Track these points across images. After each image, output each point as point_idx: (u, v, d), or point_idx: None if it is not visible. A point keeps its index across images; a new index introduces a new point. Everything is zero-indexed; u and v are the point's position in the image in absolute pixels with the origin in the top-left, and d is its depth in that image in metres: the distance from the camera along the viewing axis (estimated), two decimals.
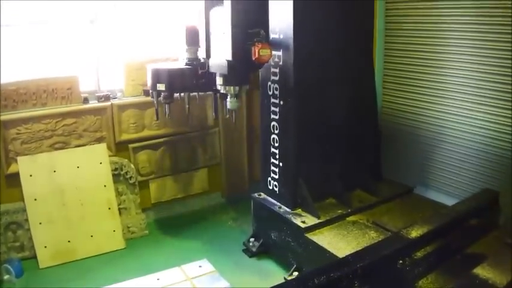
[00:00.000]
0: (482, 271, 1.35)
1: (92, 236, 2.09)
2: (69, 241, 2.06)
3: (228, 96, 1.83)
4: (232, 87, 1.74)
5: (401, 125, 2.55)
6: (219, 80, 1.79)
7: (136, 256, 2.06)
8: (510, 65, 1.88)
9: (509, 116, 1.97)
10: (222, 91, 1.83)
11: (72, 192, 2.07)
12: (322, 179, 2.01)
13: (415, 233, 1.56)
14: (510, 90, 1.94)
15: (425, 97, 2.36)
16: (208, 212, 2.49)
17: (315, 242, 1.72)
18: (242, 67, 1.67)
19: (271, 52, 1.58)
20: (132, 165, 2.23)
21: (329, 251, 1.64)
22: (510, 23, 1.87)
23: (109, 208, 2.14)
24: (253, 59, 1.54)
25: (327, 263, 1.52)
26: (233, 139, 2.57)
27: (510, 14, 1.87)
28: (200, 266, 1.42)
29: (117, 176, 2.19)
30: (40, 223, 2.01)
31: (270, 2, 1.79)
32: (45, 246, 2.01)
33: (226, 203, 2.56)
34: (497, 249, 1.51)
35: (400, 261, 1.52)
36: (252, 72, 1.86)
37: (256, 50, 1.51)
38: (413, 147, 2.49)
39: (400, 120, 2.55)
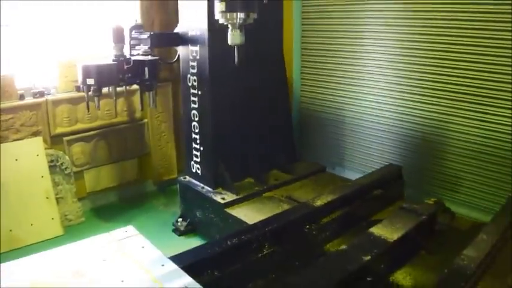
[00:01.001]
0: (377, 230, 1.80)
1: (32, 225, 2.72)
2: (10, 230, 2.66)
3: (230, 28, 1.87)
4: (234, 14, 1.78)
5: (318, 111, 3.37)
6: (218, 7, 1.79)
7: (74, 241, 2.88)
8: (411, 54, 2.58)
9: (412, 99, 2.70)
10: (221, 21, 1.86)
11: (12, 184, 2.66)
12: (240, 160, 2.66)
13: (320, 202, 2.18)
14: (412, 77, 2.65)
15: (339, 85, 3.13)
16: (140, 199, 3.15)
17: (233, 215, 2.27)
18: None
19: None
20: (67, 157, 2.86)
21: (246, 222, 2.15)
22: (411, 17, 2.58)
23: (47, 198, 2.76)
24: None
25: (240, 229, 1.98)
26: (161, 129, 3.27)
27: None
28: (126, 231, 1.98)
29: (54, 167, 2.73)
30: None
31: (187, 1, 2.48)
32: None
33: (157, 189, 3.28)
34: (394, 213, 2.02)
35: (307, 227, 2.05)
36: None
37: None
38: (329, 131, 3.28)
39: (317, 108, 3.37)
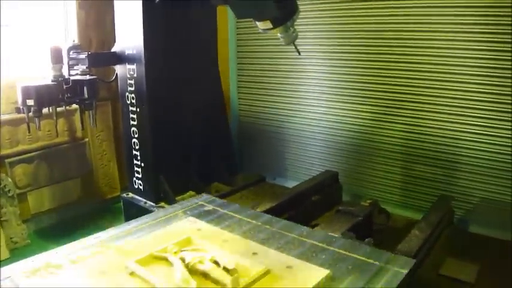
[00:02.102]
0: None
1: None
2: None
3: (281, 34, 2.35)
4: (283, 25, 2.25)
5: (256, 124, 4.21)
6: (261, 25, 2.28)
7: None
8: (342, 66, 3.40)
9: (345, 108, 3.50)
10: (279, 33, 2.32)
11: None
12: (181, 174, 3.29)
13: (258, 210, 2.63)
14: (345, 87, 3.46)
15: (276, 98, 3.98)
16: (85, 218, 3.74)
17: None
18: None
19: None
20: (9, 179, 3.44)
21: None
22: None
23: None
24: None
25: None
26: (102, 148, 4.00)
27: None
28: None
29: None
30: None
31: (123, 20, 3.16)
32: None
33: (102, 208, 3.98)
34: (331, 216, 2.51)
35: None
36: None
37: None
38: (268, 142, 4.12)
39: (255, 120, 4.22)
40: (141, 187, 3.42)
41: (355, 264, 1.62)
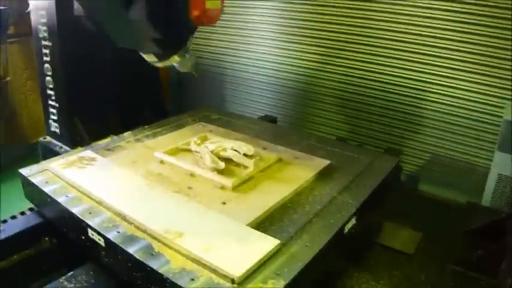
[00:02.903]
0: None
1: None
2: None
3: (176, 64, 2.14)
4: (174, 57, 2.00)
5: (200, 64, 4.41)
6: (146, 57, 2.02)
7: None
8: (289, 9, 3.74)
9: (288, 55, 3.69)
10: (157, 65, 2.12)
11: None
12: (99, 118, 3.07)
13: None
14: (289, 33, 3.58)
15: (221, 36, 4.17)
16: (8, 162, 3.64)
17: None
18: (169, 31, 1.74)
19: (222, 6, 1.59)
20: None
21: None
22: None
23: None
24: (193, 15, 1.51)
25: None
26: (26, 88, 3.81)
27: None
28: None
29: None
30: None
31: None
32: None
33: (25, 152, 3.85)
34: None
35: None
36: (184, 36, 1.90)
37: (199, 2, 1.48)
38: (210, 84, 4.44)
39: (199, 60, 4.40)
40: (57, 130, 3.33)
41: (349, 158, 2.17)
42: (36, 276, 1.83)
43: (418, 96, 3.16)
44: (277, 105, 4.12)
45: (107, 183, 1.78)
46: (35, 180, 1.90)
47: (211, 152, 1.97)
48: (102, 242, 1.56)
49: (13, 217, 1.98)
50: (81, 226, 1.63)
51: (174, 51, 1.70)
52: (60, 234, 1.82)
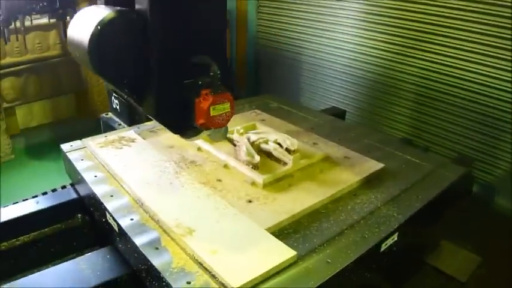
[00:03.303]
0: None
1: None
2: None
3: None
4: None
5: (274, 48, 4.38)
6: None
7: (24, 165, 3.56)
8: None
9: (367, 44, 3.46)
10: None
11: None
12: None
13: None
14: (370, 20, 3.34)
15: (297, 21, 4.02)
16: (77, 136, 4.45)
17: None
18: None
19: (232, 107, 1.34)
20: None
21: None
22: None
23: None
24: (198, 124, 1.33)
25: None
26: None
27: None
28: None
29: None
30: None
31: None
32: None
33: (94, 127, 3.86)
34: None
35: None
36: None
37: (205, 107, 1.28)
38: (282, 70, 4.33)
39: (273, 45, 4.38)
40: (118, 107, 3.37)
41: (409, 164, 1.89)
42: (64, 251, 1.82)
43: (504, 98, 2.80)
44: (349, 97, 3.92)
45: (136, 167, 1.71)
46: (71, 156, 1.88)
47: (252, 143, 1.80)
48: (116, 228, 1.48)
49: (53, 190, 2.01)
50: (101, 208, 1.57)
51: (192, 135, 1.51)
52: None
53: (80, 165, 1.80)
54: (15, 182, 3.47)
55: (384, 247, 1.37)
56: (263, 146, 1.77)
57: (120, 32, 1.28)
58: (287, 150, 1.75)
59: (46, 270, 1.50)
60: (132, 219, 1.46)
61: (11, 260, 1.73)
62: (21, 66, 3.80)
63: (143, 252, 1.30)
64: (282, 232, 1.39)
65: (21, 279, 1.42)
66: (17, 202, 1.81)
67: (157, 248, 1.32)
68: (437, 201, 1.60)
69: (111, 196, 1.59)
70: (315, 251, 1.31)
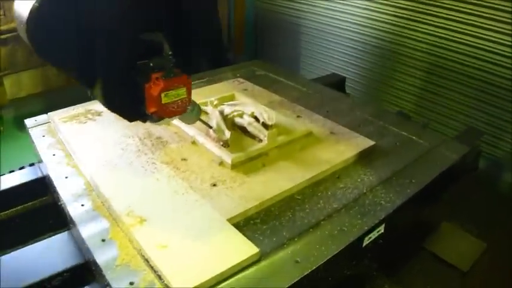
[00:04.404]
0: None
1: None
2: None
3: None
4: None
5: (273, 12, 4.16)
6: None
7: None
8: None
9: (367, 7, 3.23)
10: None
11: None
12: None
13: None
14: None
15: None
16: (67, 106, 4.36)
17: None
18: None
19: (189, 92, 1.14)
20: None
21: None
22: None
23: None
24: (149, 112, 1.13)
25: None
26: None
27: None
28: None
29: None
30: None
31: None
32: None
33: (86, 95, 4.45)
34: None
35: None
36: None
37: (155, 94, 1.07)
38: (283, 34, 4.12)
39: (273, 8, 4.17)
40: None
41: (404, 141, 1.65)
42: (30, 234, 1.62)
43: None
44: (351, 63, 3.67)
45: (96, 145, 1.53)
46: (33, 132, 1.71)
47: (225, 117, 1.60)
48: (67, 214, 1.31)
49: (21, 168, 1.83)
50: (55, 191, 1.40)
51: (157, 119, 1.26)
52: None
53: (39, 143, 1.63)
54: (4, 154, 3.37)
55: (366, 241, 1.16)
56: (237, 120, 1.58)
57: (62, 6, 1.07)
58: (264, 124, 1.54)
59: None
60: (83, 205, 1.29)
61: None
62: (8, 35, 3.65)
63: (87, 244, 1.14)
64: (247, 223, 1.21)
65: None
66: None
67: (103, 240, 1.15)
68: (435, 184, 1.40)
69: (66, 178, 1.42)
70: (283, 247, 1.12)
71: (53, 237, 1.40)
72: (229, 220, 1.16)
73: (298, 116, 1.73)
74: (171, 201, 1.23)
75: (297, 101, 1.89)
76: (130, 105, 1.15)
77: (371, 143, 1.55)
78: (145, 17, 1.09)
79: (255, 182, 1.32)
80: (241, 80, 2.11)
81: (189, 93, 1.13)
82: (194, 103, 1.29)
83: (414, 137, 1.65)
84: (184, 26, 1.31)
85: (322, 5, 3.66)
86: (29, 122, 1.77)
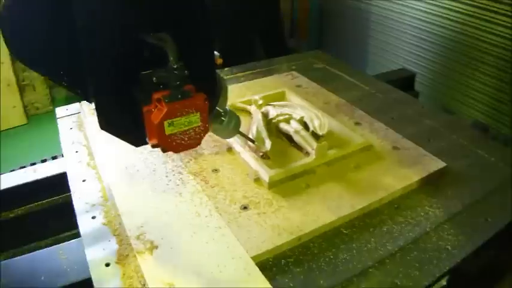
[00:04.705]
0: None
1: None
2: None
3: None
4: None
5: None
6: None
7: (38, 131, 3.38)
8: None
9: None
10: None
11: None
12: None
13: None
14: None
15: None
16: None
17: None
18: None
19: (205, 118, 0.83)
20: None
21: None
22: None
23: (8, 85, 3.35)
24: (150, 144, 0.86)
25: None
26: None
27: None
28: None
29: None
30: None
31: None
32: None
33: None
34: None
35: None
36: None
37: (155, 122, 0.80)
38: (350, 24, 3.80)
39: None
40: None
41: (482, 163, 1.35)
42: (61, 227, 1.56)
43: None
44: (423, 57, 3.29)
45: (120, 144, 1.31)
46: (60, 124, 1.58)
47: (269, 121, 1.39)
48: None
49: (54, 158, 1.78)
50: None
51: None
52: None
53: (65, 136, 1.49)
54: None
55: None
56: (282, 125, 1.36)
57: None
58: (314, 134, 1.31)
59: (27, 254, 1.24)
60: (93, 218, 1.13)
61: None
62: None
63: (90, 268, 0.98)
64: (278, 262, 0.99)
65: None
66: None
67: (107, 265, 0.99)
68: None
69: (83, 181, 1.27)
70: None
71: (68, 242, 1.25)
72: (255, 257, 0.95)
73: (356, 123, 1.49)
74: (190, 226, 1.04)
75: (357, 102, 1.63)
76: (132, 129, 0.89)
77: (441, 164, 1.27)
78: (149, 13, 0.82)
79: (294, 208, 1.10)
80: (295, 74, 1.87)
81: (204, 120, 0.83)
82: (232, 114, 1.07)
83: (493, 158, 1.36)
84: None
85: None
86: (60, 111, 1.63)
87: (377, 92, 1.75)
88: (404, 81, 2.31)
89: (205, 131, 0.84)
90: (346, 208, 1.06)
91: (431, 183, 1.19)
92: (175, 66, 0.77)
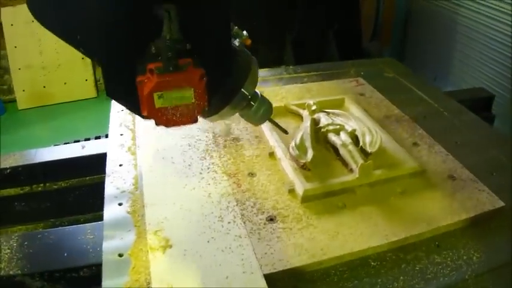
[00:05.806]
0: None
1: (65, 83, 3.91)
2: (44, 86, 3.88)
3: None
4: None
5: (431, 4, 3.60)
6: None
7: (106, 104, 4.04)
8: None
9: None
10: None
11: (49, 41, 3.76)
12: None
13: None
14: None
15: None
16: None
17: None
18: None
19: (200, 95, 0.80)
20: None
21: None
22: None
23: (82, 58, 3.78)
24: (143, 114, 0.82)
25: None
26: None
27: None
28: None
29: None
30: (19, 68, 3.81)
31: None
32: (23, 90, 3.84)
33: None
34: None
35: None
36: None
37: (144, 93, 0.78)
38: (438, 31, 3.55)
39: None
40: None
41: None
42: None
43: None
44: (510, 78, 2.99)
45: (163, 133, 1.37)
46: (114, 103, 1.61)
47: (318, 129, 1.34)
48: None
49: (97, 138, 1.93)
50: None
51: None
52: None
53: (114, 118, 1.53)
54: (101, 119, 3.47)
55: None
56: (331, 136, 1.29)
57: None
58: (362, 150, 1.24)
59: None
60: (120, 204, 1.14)
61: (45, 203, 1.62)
62: None
63: (103, 255, 0.99)
64: (291, 283, 0.95)
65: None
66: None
67: (120, 256, 0.99)
68: None
69: (120, 166, 1.29)
70: None
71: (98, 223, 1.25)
72: (269, 275, 0.91)
73: (414, 144, 1.38)
74: (210, 230, 1.02)
75: (421, 120, 1.52)
76: (137, 99, 0.87)
77: (499, 204, 1.13)
78: None
79: (323, 228, 1.04)
80: (361, 80, 1.78)
81: (200, 97, 0.80)
82: (263, 100, 1.02)
83: None
84: None
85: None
86: None
87: (445, 110, 1.61)
88: (481, 102, 2.16)
89: (200, 109, 0.82)
90: (379, 238, 0.98)
91: (482, 224, 1.06)
92: (167, 37, 0.75)
